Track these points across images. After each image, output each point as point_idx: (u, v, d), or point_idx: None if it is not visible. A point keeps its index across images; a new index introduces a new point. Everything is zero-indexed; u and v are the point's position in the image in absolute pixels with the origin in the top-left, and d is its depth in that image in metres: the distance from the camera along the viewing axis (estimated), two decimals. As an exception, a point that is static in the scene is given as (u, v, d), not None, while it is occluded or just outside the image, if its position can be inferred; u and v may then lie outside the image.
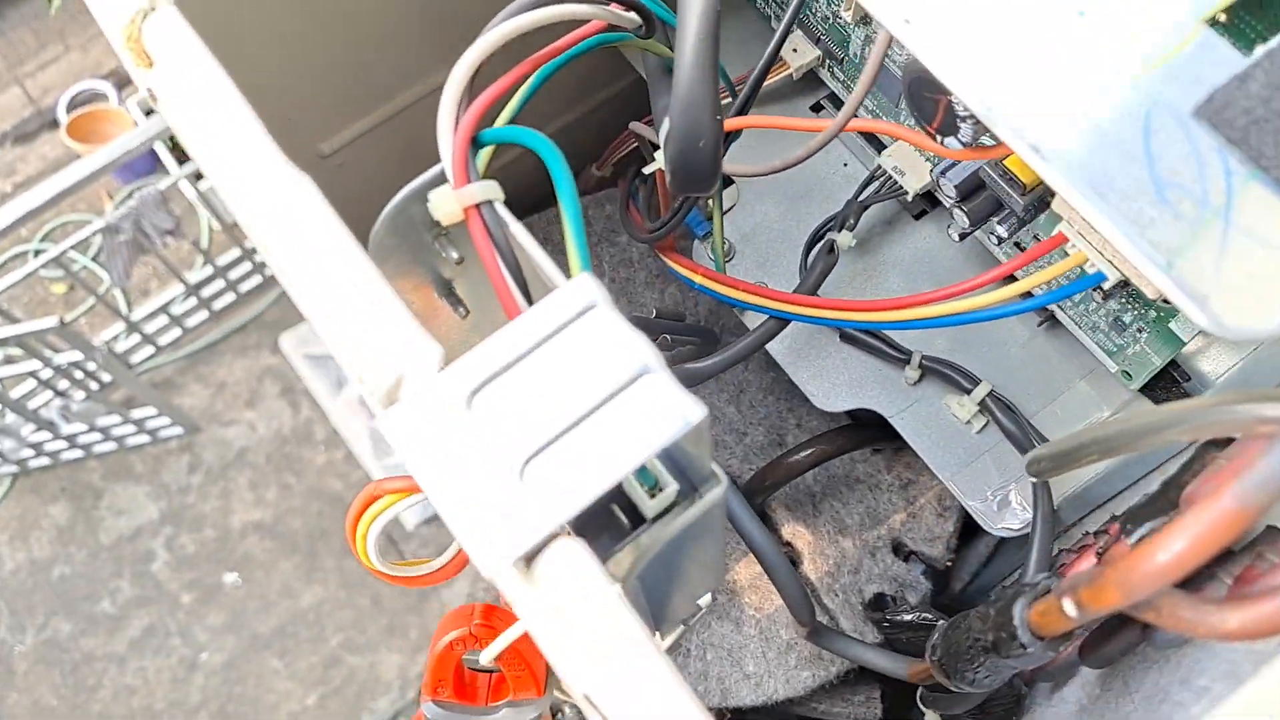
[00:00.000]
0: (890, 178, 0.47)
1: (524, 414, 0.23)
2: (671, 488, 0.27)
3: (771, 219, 0.51)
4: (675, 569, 0.32)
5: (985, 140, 0.34)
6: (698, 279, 0.47)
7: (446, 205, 0.29)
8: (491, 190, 0.29)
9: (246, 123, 0.26)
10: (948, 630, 0.38)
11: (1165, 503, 0.32)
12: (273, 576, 1.32)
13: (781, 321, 0.45)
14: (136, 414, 1.32)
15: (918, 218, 0.51)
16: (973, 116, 0.32)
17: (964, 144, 0.33)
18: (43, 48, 1.60)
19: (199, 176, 1.17)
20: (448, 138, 0.30)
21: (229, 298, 1.40)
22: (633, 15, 0.36)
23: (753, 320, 0.50)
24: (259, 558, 1.35)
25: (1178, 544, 0.23)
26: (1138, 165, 0.25)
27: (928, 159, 0.47)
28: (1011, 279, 0.41)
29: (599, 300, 0.24)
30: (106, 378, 1.30)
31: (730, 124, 0.40)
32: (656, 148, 0.47)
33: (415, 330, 0.24)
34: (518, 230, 0.30)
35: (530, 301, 0.30)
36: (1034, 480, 0.41)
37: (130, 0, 0.27)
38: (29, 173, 1.51)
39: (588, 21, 0.36)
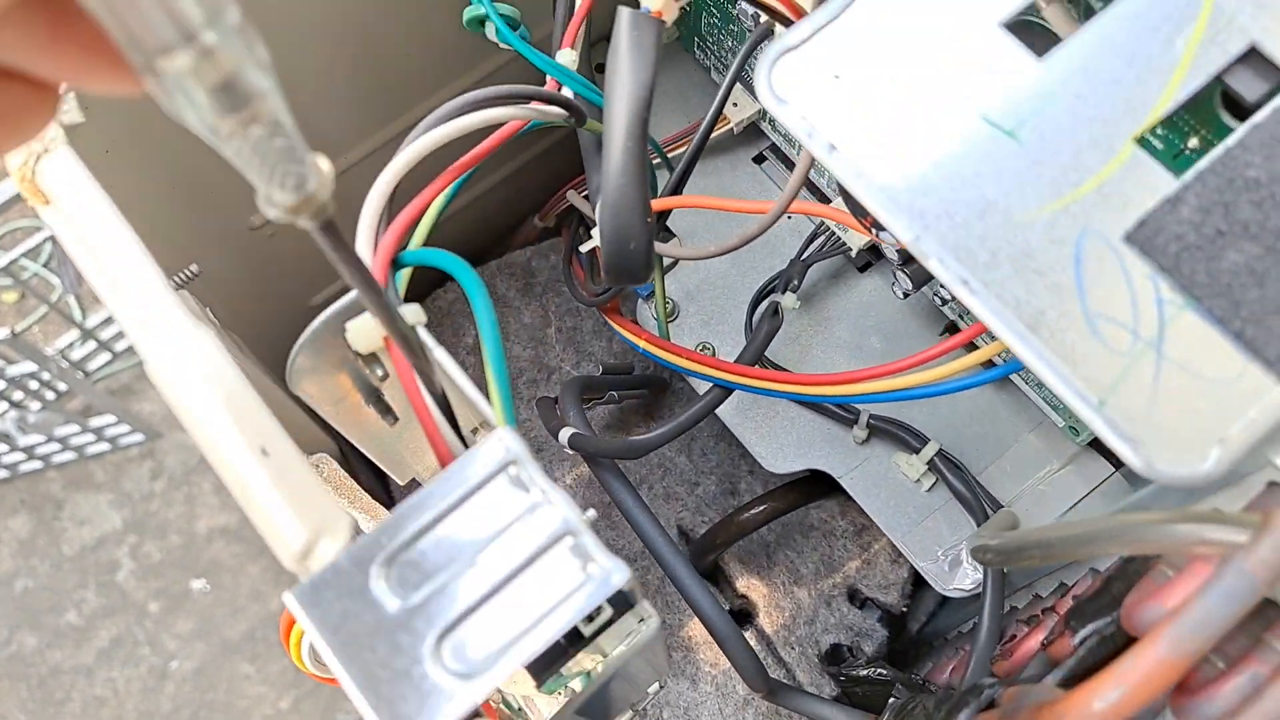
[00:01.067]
0: (834, 234, 0.47)
1: (440, 583, 0.22)
2: (606, 612, 0.26)
3: (715, 275, 0.50)
4: (619, 679, 0.31)
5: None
6: (642, 344, 0.46)
7: (366, 335, 0.28)
8: (414, 315, 0.28)
9: (145, 275, 0.25)
10: (899, 712, 0.37)
11: (1109, 599, 0.32)
12: (241, 581, 1.31)
13: (725, 390, 0.44)
14: (95, 422, 1.30)
15: (862, 270, 0.50)
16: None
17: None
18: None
19: None
20: (366, 258, 0.29)
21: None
22: (557, 110, 0.35)
23: (700, 383, 0.50)
24: (226, 563, 1.33)
25: (1113, 693, 0.23)
26: (1069, 296, 0.24)
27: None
28: (971, 346, 0.40)
29: (520, 456, 0.23)
30: (63, 387, 1.27)
31: (663, 204, 0.40)
32: (593, 224, 0.46)
33: (325, 500, 0.23)
34: (442, 358, 0.29)
35: (458, 432, 0.29)
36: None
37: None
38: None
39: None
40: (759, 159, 0.52)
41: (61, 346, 1.32)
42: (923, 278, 0.43)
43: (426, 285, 0.61)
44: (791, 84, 0.26)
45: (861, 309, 0.49)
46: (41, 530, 1.35)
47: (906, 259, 0.42)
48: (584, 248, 0.42)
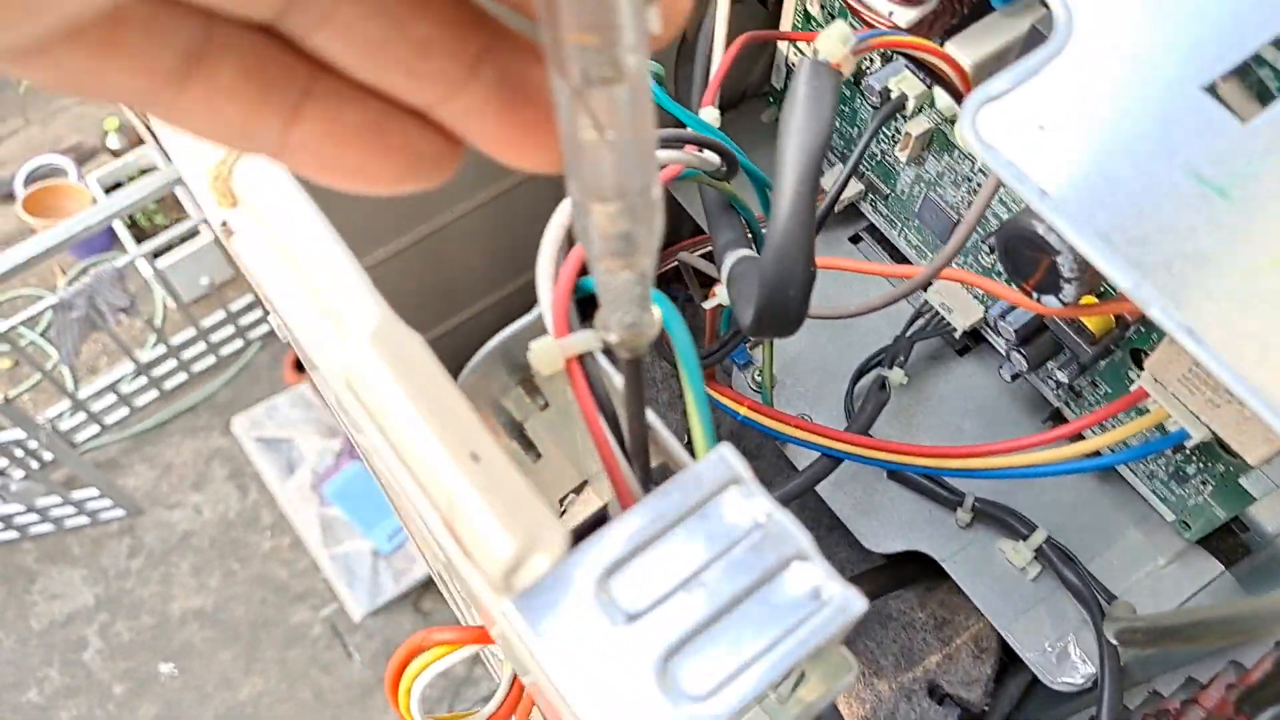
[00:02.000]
0: (937, 314, 0.47)
1: (664, 601, 0.21)
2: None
3: (813, 349, 0.50)
4: None
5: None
6: (743, 411, 0.45)
7: (548, 356, 0.27)
8: (594, 341, 0.28)
9: (347, 274, 0.24)
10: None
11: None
12: (211, 667, 1.26)
13: (834, 460, 0.43)
14: (77, 495, 1.27)
15: (961, 353, 0.50)
16: (1079, 278, 0.31)
17: (1064, 304, 0.32)
18: (2, 121, 1.58)
19: (156, 254, 1.14)
20: (547, 286, 0.28)
21: (180, 377, 1.36)
22: (713, 157, 0.35)
23: (795, 453, 0.49)
24: (198, 647, 1.29)
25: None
26: (1293, 347, 0.24)
27: (979, 298, 0.46)
28: (1078, 436, 0.40)
29: (743, 476, 0.22)
30: (48, 456, 1.25)
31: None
32: (706, 280, 0.46)
33: (541, 510, 0.22)
34: (621, 385, 0.28)
35: (630, 461, 0.29)
36: (1113, 643, 0.39)
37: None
38: (-18, 245, 1.47)
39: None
40: (855, 239, 0.52)
41: (51, 416, 1.30)
42: (1039, 358, 0.42)
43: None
44: (996, 132, 0.26)
45: (961, 392, 0.49)
46: (11, 602, 1.31)
47: (1024, 339, 0.42)
48: (708, 304, 0.42)
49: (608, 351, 0.29)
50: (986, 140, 0.26)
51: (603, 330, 0.21)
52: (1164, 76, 0.27)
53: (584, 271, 0.29)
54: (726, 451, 0.23)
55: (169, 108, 0.15)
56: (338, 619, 1.29)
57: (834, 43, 0.29)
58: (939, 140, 0.43)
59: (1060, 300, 0.32)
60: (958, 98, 0.34)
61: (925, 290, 0.49)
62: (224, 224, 0.28)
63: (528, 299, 0.55)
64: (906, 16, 0.32)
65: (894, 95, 0.40)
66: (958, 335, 0.47)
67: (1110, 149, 0.26)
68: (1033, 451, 0.40)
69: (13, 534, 1.31)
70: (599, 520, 0.32)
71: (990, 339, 0.48)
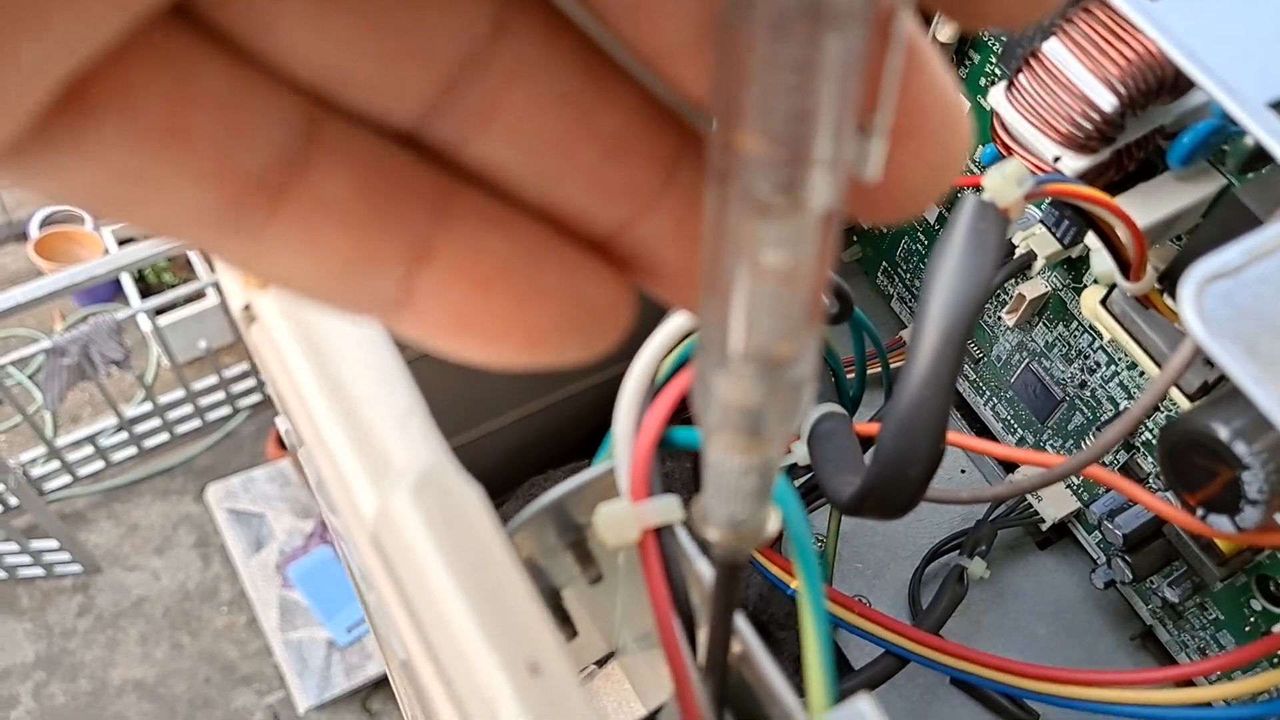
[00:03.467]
0: (1024, 499, 0.41)
1: None
2: None
3: (875, 523, 0.44)
4: None
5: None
6: (795, 586, 0.39)
7: (619, 525, 0.21)
8: (674, 511, 0.22)
9: (401, 395, 0.18)
10: None
11: None
12: None
13: (900, 660, 0.37)
14: (36, 544, 1.20)
15: (1041, 545, 0.44)
16: (1266, 502, 0.25)
17: (1241, 529, 0.26)
18: (22, 162, 1.56)
19: (159, 311, 1.11)
20: (627, 437, 0.22)
21: (162, 437, 1.31)
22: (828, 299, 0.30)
23: (844, 639, 0.42)
24: None
25: None
26: None
27: (1074, 489, 0.40)
28: (1189, 681, 0.34)
29: (888, 747, 0.16)
30: (14, 501, 1.19)
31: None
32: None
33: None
34: (703, 570, 0.22)
35: (697, 658, 0.22)
36: None
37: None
38: (-14, 281, 1.44)
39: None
40: (932, 401, 0.47)
41: (24, 460, 1.24)
42: (1147, 570, 0.37)
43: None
44: (1224, 316, 0.21)
45: (1039, 591, 0.43)
46: None
47: (1132, 546, 0.36)
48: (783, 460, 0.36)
49: (687, 524, 0.23)
50: (1213, 327, 0.21)
51: (700, 522, 0.16)
52: None
53: (676, 419, 0.24)
54: (866, 709, 0.17)
55: (248, 238, 0.10)
56: (281, 708, 1.21)
57: (1008, 183, 0.24)
58: (1055, 307, 0.38)
59: (1237, 524, 0.26)
60: (1124, 262, 0.29)
61: (1012, 471, 0.43)
62: (246, 308, 0.22)
63: (559, 417, 0.49)
64: (1075, 165, 0.28)
65: (1020, 250, 0.35)
66: (1044, 528, 0.41)
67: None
68: (1133, 689, 0.34)
69: None
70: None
71: (1080, 536, 0.42)
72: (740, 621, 0.20)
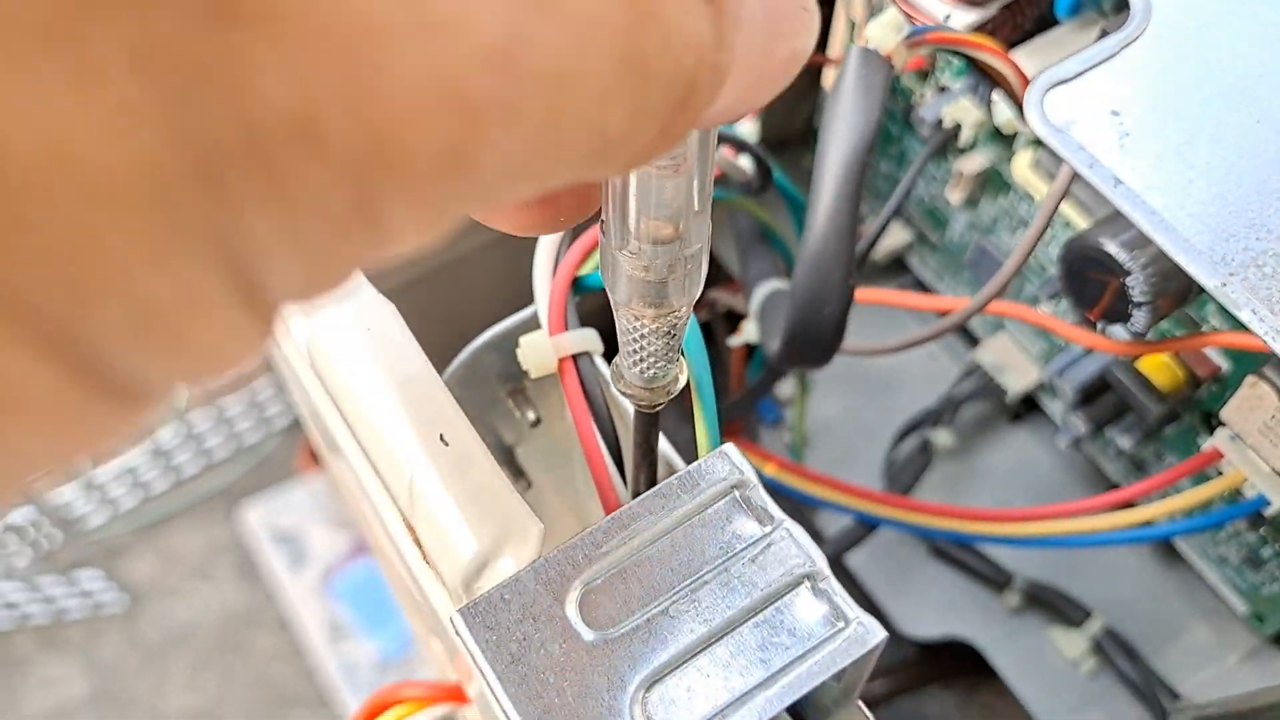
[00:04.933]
0: (988, 375, 0.43)
1: (649, 618, 0.17)
2: None
3: (848, 410, 0.46)
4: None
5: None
6: (769, 470, 0.41)
7: (539, 354, 0.24)
8: (591, 341, 0.25)
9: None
10: None
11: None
12: None
13: (867, 526, 0.39)
14: (81, 581, 1.24)
15: (1013, 420, 0.46)
16: (1151, 303, 0.27)
17: (1133, 334, 0.28)
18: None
19: None
20: (545, 279, 0.25)
21: (199, 463, 1.35)
22: (746, 166, 0.32)
23: (827, 521, 0.45)
24: None
25: None
26: None
27: (1036, 359, 0.42)
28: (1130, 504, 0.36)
29: (748, 479, 0.19)
30: (59, 538, 1.23)
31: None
32: (739, 316, 0.43)
33: (514, 503, 0.18)
34: (617, 394, 0.25)
35: (624, 478, 0.25)
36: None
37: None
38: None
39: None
40: (900, 297, 0.49)
41: (63, 496, 1.28)
42: (1101, 420, 0.38)
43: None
44: (1065, 117, 0.23)
45: (1013, 462, 0.45)
46: (4, 689, 1.27)
47: (1085, 399, 0.38)
48: (733, 342, 0.39)
49: (608, 355, 0.26)
50: (1055, 123, 0.23)
51: (616, 380, 0.19)
52: (1256, 61, 0.23)
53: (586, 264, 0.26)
54: (730, 451, 0.19)
55: None
56: (343, 724, 1.24)
57: (886, 30, 0.26)
58: (995, 181, 0.40)
59: (1129, 330, 0.28)
60: (1019, 105, 0.31)
61: (975, 349, 0.45)
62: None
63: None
64: (965, 20, 0.30)
65: (946, 124, 0.37)
66: (1009, 399, 0.43)
67: (1193, 138, 0.23)
68: (1083, 518, 0.35)
69: (13, 618, 1.29)
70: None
71: (1045, 406, 0.44)
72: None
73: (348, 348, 0.20)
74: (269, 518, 1.33)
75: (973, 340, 0.46)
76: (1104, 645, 0.39)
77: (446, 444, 0.19)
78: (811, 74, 0.43)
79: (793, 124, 0.51)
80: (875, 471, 0.44)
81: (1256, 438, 0.29)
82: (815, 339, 0.29)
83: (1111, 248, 0.27)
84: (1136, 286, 0.27)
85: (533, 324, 0.25)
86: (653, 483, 0.23)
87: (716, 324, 0.45)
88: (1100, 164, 0.22)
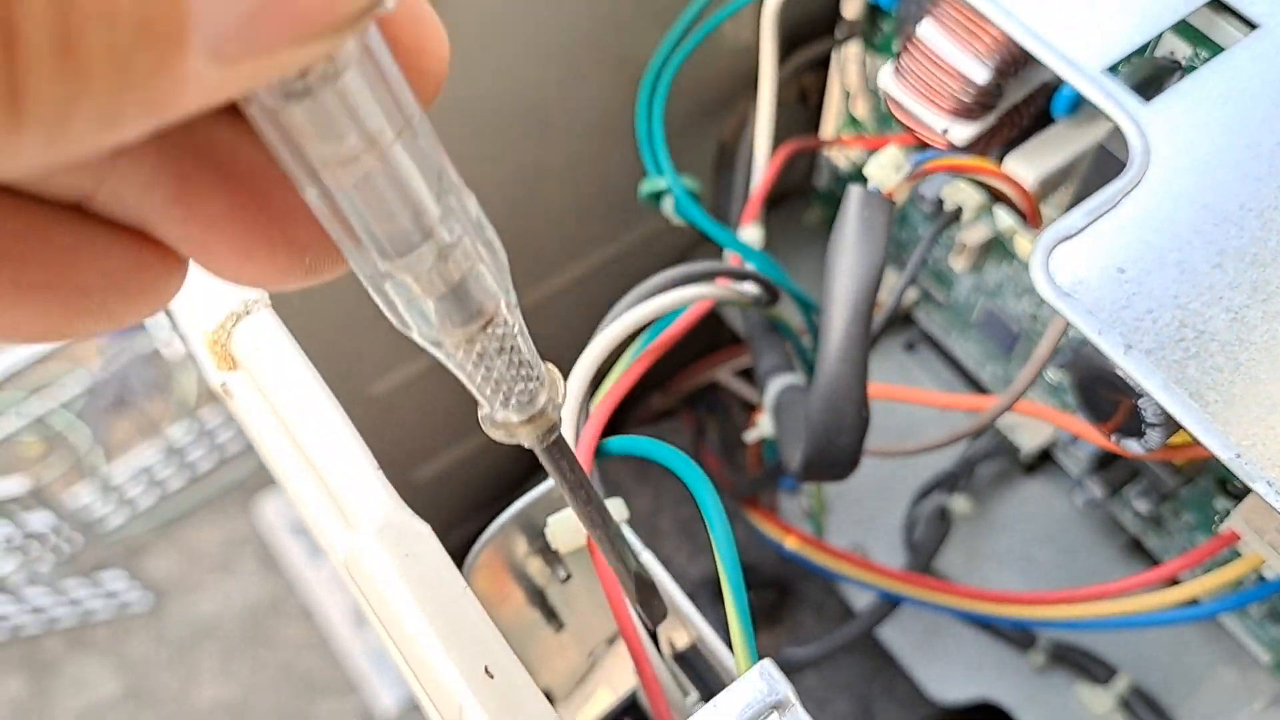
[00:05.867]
0: (1001, 434, 0.43)
1: None
2: None
3: (866, 472, 0.46)
4: None
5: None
6: (791, 544, 0.42)
7: (569, 532, 0.25)
8: (619, 511, 0.25)
9: (353, 455, 0.22)
10: None
11: None
12: None
13: (891, 604, 0.40)
14: (105, 581, 1.26)
15: (1029, 471, 0.46)
16: (1164, 424, 0.28)
17: (1148, 450, 0.28)
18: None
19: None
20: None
21: (213, 459, 1.36)
22: (751, 288, 0.32)
23: (854, 594, 0.45)
24: None
25: None
26: None
27: (1047, 418, 0.43)
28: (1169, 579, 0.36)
29: (787, 697, 0.19)
30: (80, 541, 1.24)
31: (877, 391, 0.37)
32: (749, 406, 0.43)
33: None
34: (650, 561, 0.25)
35: (660, 651, 0.25)
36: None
37: (221, 303, 0.23)
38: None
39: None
40: (909, 346, 0.49)
41: (85, 501, 1.29)
42: (1116, 483, 0.39)
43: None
44: (1070, 277, 0.23)
45: (1031, 516, 0.45)
46: (37, 692, 1.29)
47: (1101, 464, 0.39)
48: (749, 436, 0.39)
49: (630, 520, 0.26)
50: (1063, 287, 0.23)
51: (491, 428, 0.15)
52: (1259, 210, 0.24)
53: (608, 432, 0.27)
54: (769, 670, 0.20)
55: None
56: (368, 710, 1.26)
57: (886, 170, 0.26)
58: (998, 250, 0.40)
59: (1143, 446, 0.28)
60: (1021, 215, 0.31)
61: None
62: (223, 385, 0.26)
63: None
64: (963, 133, 0.30)
65: (947, 206, 0.37)
66: (1023, 456, 0.44)
67: (1200, 295, 0.23)
68: (1122, 598, 0.36)
69: (41, 621, 1.30)
70: (627, 708, 0.29)
71: (1060, 459, 0.44)
72: (655, 566, 0.23)
73: (387, 574, 0.20)
74: (286, 509, 1.34)
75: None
76: (1131, 702, 0.40)
77: (491, 676, 0.19)
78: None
79: (791, 178, 0.51)
80: (895, 534, 0.45)
81: (1275, 535, 0.29)
82: (832, 465, 0.30)
83: (1123, 371, 0.28)
84: (1149, 409, 0.27)
85: (554, 494, 0.26)
86: (605, 522, 0.20)
87: (731, 405, 0.45)
88: (1112, 333, 0.22)
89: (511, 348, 0.14)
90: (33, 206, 0.11)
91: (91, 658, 1.32)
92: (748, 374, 0.44)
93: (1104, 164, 0.28)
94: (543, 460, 0.17)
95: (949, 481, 0.43)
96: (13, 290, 0.11)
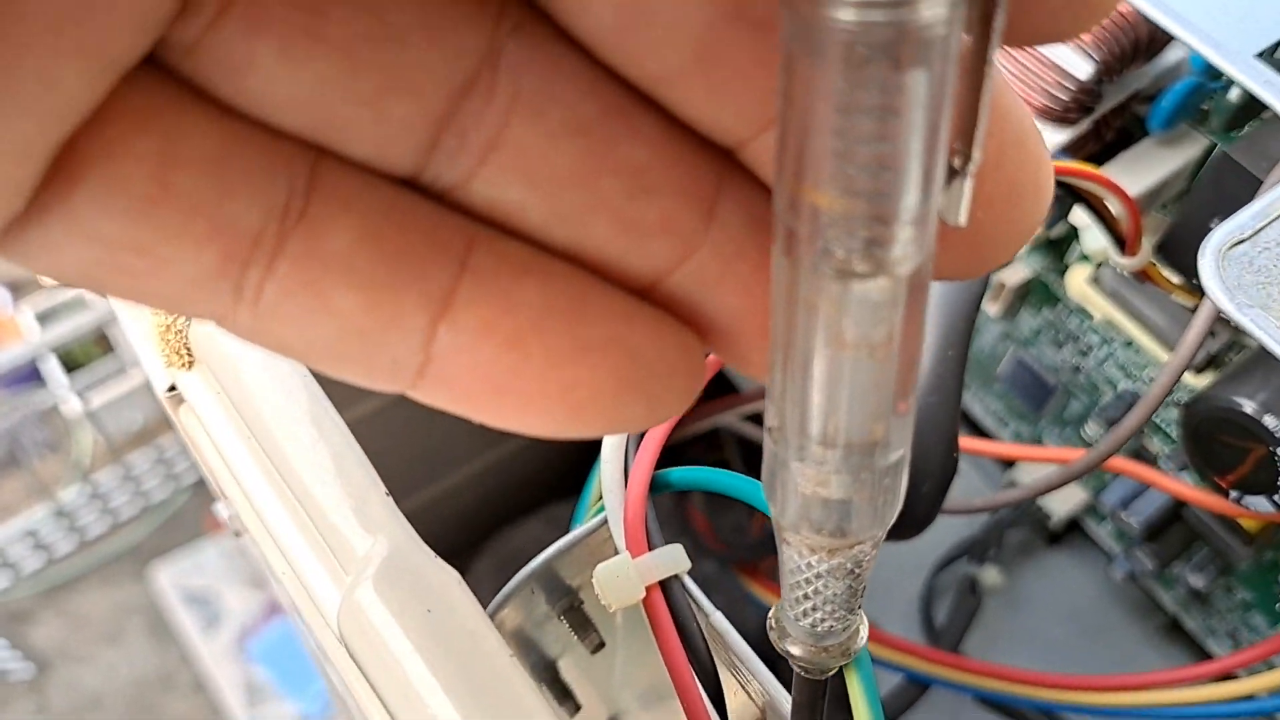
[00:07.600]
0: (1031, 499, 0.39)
1: None
2: None
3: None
4: None
5: None
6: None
7: (624, 586, 0.19)
8: (679, 560, 0.20)
9: (358, 478, 0.16)
10: None
11: None
12: None
13: (920, 687, 0.35)
14: None
15: (1052, 541, 0.42)
16: (1307, 476, 0.24)
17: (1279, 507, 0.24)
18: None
19: (89, 386, 1.08)
20: (617, 489, 0.20)
21: (106, 523, 1.27)
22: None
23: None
24: None
25: None
26: None
27: (1084, 485, 0.38)
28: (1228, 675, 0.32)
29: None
30: None
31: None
32: (754, 454, 0.39)
33: None
34: (719, 621, 0.20)
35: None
36: None
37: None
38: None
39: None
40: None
41: None
42: (1168, 556, 0.35)
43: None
44: (1248, 283, 0.19)
45: (1054, 591, 0.41)
46: None
47: (1150, 535, 0.35)
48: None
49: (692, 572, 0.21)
50: (1235, 294, 0.19)
51: (777, 635, 0.15)
52: None
53: (667, 460, 0.21)
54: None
55: (248, 304, 0.09)
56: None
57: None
58: (1038, 292, 0.36)
59: (1275, 503, 0.24)
60: (1117, 237, 0.27)
61: (1011, 468, 0.41)
62: (171, 389, 0.20)
63: (516, 467, 0.46)
64: (1054, 139, 0.26)
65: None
66: (1053, 524, 0.40)
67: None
68: (1171, 689, 0.32)
69: None
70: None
71: (1091, 530, 0.40)
72: (722, 624, 0.19)
73: (399, 639, 0.15)
74: (180, 578, 1.25)
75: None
76: (1179, 804, 0.35)
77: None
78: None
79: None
80: (910, 606, 0.40)
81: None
82: (910, 516, 0.25)
83: (1253, 409, 0.24)
84: (1292, 460, 0.23)
85: (598, 536, 0.20)
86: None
87: (733, 457, 0.40)
88: (1305, 347, 0.18)
89: (855, 578, 0.13)
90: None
91: (-31, 731, 1.22)
92: (757, 419, 0.39)
93: (1226, 175, 0.25)
94: (797, 686, 0.17)
95: (978, 549, 0.38)
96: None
